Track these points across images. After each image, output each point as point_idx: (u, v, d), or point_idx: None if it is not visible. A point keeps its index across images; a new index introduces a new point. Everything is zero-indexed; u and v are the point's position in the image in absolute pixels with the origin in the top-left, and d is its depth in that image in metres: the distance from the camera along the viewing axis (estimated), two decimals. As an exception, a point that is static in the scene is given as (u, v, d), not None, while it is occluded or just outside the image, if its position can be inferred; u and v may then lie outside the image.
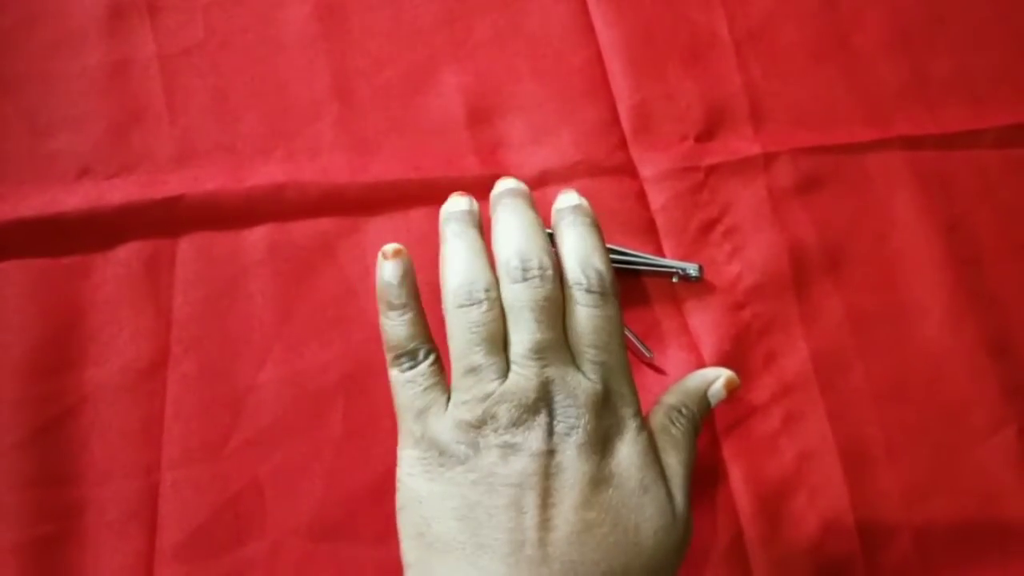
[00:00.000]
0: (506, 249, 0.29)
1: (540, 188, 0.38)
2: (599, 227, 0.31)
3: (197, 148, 0.36)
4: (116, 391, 0.33)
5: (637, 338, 0.35)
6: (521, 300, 0.28)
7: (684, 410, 0.31)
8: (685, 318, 0.36)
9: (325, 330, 0.35)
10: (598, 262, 0.29)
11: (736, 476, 0.34)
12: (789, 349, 0.36)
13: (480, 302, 0.28)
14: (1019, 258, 0.39)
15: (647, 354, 0.35)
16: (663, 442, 0.29)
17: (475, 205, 0.32)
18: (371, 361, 0.34)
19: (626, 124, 0.39)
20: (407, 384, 0.29)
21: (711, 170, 0.38)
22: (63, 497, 0.32)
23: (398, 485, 0.28)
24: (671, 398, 0.31)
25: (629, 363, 0.29)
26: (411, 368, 0.29)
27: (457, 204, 0.32)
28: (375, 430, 0.34)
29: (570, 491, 0.26)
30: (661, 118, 0.39)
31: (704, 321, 0.36)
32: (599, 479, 0.27)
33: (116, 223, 0.35)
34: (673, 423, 0.30)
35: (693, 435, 0.30)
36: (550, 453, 0.27)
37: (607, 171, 0.38)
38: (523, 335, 0.28)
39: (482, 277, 0.29)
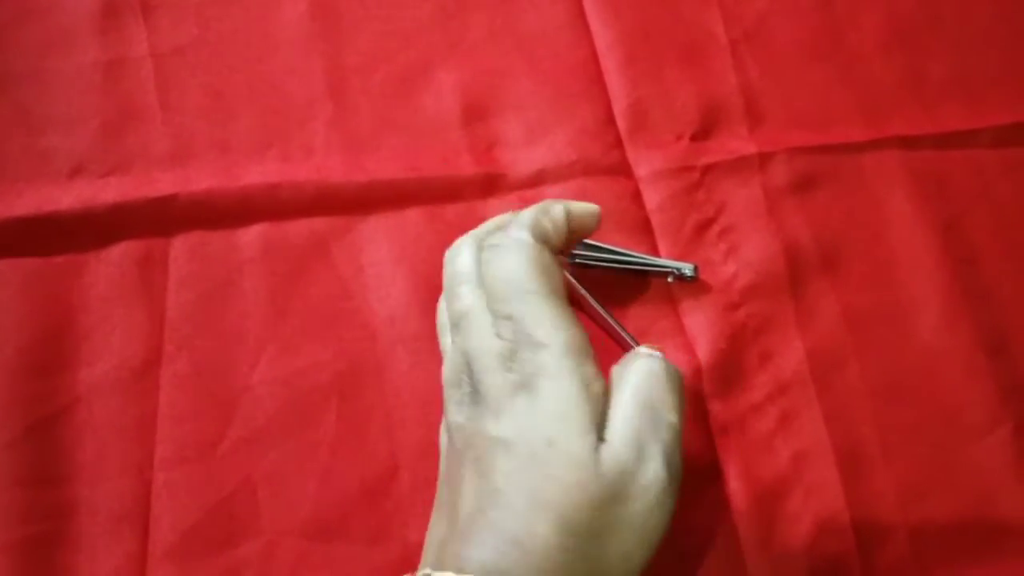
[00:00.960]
0: None
1: (535, 187, 0.37)
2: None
3: (191, 147, 0.36)
4: (109, 390, 0.33)
5: (631, 337, 0.35)
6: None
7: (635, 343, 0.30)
8: (680, 318, 0.36)
9: (319, 329, 0.35)
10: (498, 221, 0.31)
11: (731, 476, 0.34)
12: (785, 348, 0.36)
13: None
14: (1015, 257, 0.38)
15: (642, 353, 0.35)
16: (615, 383, 0.27)
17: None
18: (365, 361, 0.34)
19: (622, 123, 0.39)
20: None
21: (707, 170, 0.38)
22: (55, 497, 0.31)
23: None
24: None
25: (557, 308, 0.26)
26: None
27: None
28: (369, 430, 0.33)
29: (477, 461, 0.25)
30: (657, 117, 0.39)
31: (699, 321, 0.36)
32: (499, 441, 0.25)
33: (109, 222, 0.35)
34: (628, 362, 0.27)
35: (643, 370, 0.26)
36: (463, 425, 0.26)
37: (602, 170, 0.38)
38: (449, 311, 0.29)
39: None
